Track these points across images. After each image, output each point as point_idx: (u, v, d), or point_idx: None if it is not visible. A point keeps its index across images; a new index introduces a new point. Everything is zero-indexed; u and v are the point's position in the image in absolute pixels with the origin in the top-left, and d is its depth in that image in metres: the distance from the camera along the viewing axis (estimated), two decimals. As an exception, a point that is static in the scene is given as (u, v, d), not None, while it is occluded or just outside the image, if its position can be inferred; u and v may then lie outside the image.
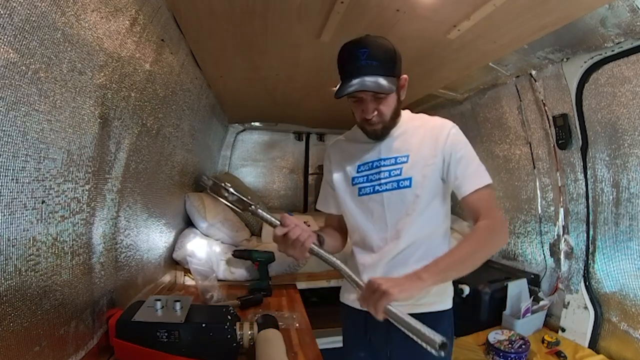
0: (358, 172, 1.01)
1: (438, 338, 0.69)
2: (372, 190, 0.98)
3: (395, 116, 0.97)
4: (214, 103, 2.32)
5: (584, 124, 1.56)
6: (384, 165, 0.97)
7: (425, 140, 0.96)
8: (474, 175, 0.92)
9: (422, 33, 1.37)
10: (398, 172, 0.95)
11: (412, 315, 0.76)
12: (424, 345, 0.71)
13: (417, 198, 0.93)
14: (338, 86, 0.91)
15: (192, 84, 1.74)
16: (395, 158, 0.97)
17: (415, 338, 0.72)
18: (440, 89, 2.18)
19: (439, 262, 0.83)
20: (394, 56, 0.91)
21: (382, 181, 0.97)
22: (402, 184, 0.94)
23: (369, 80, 0.87)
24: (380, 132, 0.97)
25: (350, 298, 1.04)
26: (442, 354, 0.68)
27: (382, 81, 0.87)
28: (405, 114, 1.04)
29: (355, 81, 0.87)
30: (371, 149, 1.01)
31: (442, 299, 0.99)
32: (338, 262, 0.89)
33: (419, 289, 0.79)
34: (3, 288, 0.65)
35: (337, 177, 1.06)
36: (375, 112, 0.92)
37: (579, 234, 1.65)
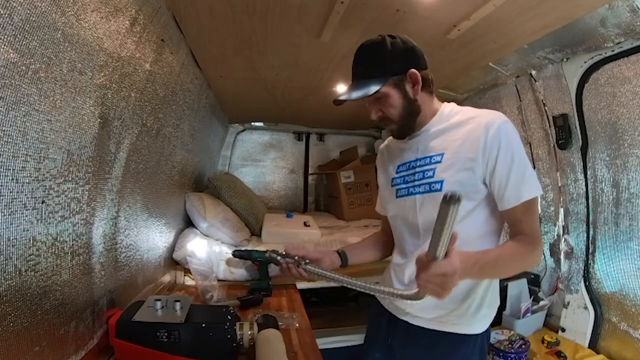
0: (397, 172, 0.97)
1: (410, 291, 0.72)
2: (407, 193, 0.93)
3: (410, 115, 0.90)
4: (214, 103, 2.32)
5: (584, 124, 1.56)
6: (420, 166, 0.91)
7: (467, 138, 0.84)
8: (520, 186, 0.80)
9: (422, 33, 1.37)
10: (431, 173, 0.88)
11: (436, 331, 0.86)
12: (408, 302, 0.75)
13: None
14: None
15: (192, 84, 1.74)
16: (430, 157, 0.89)
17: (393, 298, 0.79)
18: (440, 89, 2.18)
19: (479, 256, 0.77)
20: (382, 56, 0.86)
21: (416, 182, 0.90)
22: (433, 187, 0.86)
23: (356, 85, 0.87)
24: (397, 131, 0.94)
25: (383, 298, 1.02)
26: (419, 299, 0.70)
27: (367, 84, 0.85)
28: (448, 107, 0.95)
29: (347, 89, 0.89)
30: (410, 147, 0.95)
31: (466, 322, 0.90)
32: (336, 275, 0.90)
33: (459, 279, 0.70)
34: (3, 288, 0.65)
35: (381, 178, 1.05)
36: (380, 113, 0.91)
37: (579, 234, 1.65)
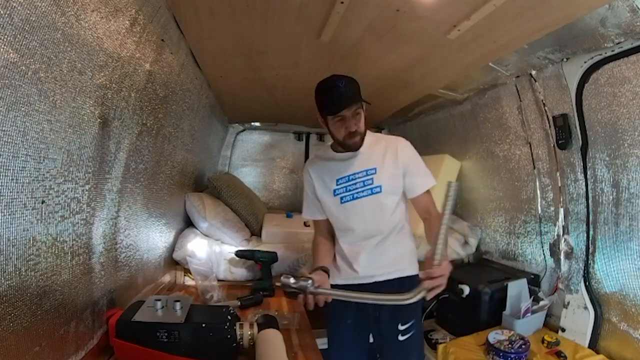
0: (337, 184, 1.27)
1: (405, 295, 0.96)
2: (352, 198, 1.25)
3: (365, 131, 1.23)
4: (214, 103, 2.32)
5: (584, 124, 1.56)
6: (358, 178, 1.24)
7: (387, 155, 1.25)
8: (424, 178, 1.26)
9: (422, 33, 1.37)
10: (370, 181, 1.23)
11: (395, 279, 1.28)
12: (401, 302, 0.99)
13: (387, 200, 1.23)
14: (323, 112, 1.18)
15: (192, 84, 1.74)
16: (366, 171, 1.24)
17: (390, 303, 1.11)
18: (440, 89, 2.18)
19: (441, 242, 1.03)
20: (358, 87, 1.18)
21: (359, 189, 1.24)
22: (374, 190, 1.23)
23: (351, 100, 1.13)
24: (359, 143, 1.22)
25: (351, 276, 1.31)
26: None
27: (356, 98, 1.14)
28: (370, 134, 1.29)
29: (342, 102, 1.13)
30: (345, 165, 1.27)
31: (412, 266, 1.33)
32: (338, 291, 1.09)
33: None
34: (3, 288, 0.65)
35: (320, 190, 1.31)
36: (356, 126, 1.17)
37: (579, 234, 1.65)
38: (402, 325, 1.26)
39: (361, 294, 1.07)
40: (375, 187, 1.22)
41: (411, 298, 0.96)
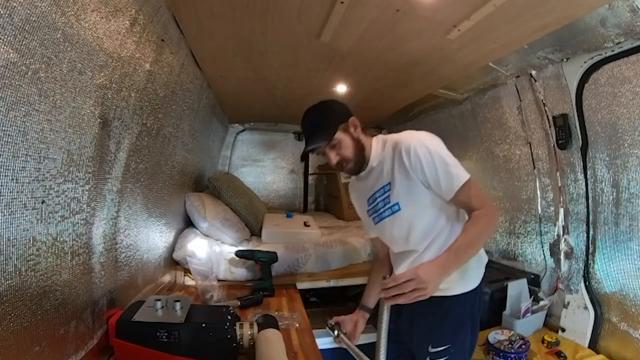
0: (368, 205, 1.18)
1: None
2: (379, 219, 1.15)
3: (360, 151, 1.12)
4: (214, 103, 2.32)
5: (584, 124, 1.56)
6: (378, 197, 1.13)
7: (396, 165, 1.06)
8: (450, 179, 1.00)
9: (422, 33, 1.37)
10: (388, 199, 1.10)
11: (433, 297, 0.94)
12: None
13: (411, 217, 1.07)
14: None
15: (192, 84, 1.74)
16: (383, 188, 1.11)
17: None
18: (440, 89, 2.18)
19: (451, 248, 0.95)
20: (329, 112, 1.12)
21: (381, 210, 1.13)
22: (393, 209, 1.09)
23: (312, 139, 1.09)
24: (354, 169, 1.14)
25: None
26: None
27: (320, 137, 1.08)
28: (376, 142, 1.15)
29: (309, 143, 1.09)
30: (366, 183, 1.17)
31: (455, 285, 1.08)
32: (353, 346, 1.18)
33: (445, 277, 0.92)
34: (3, 288, 0.65)
35: (360, 211, 1.27)
36: (338, 157, 1.10)
37: (579, 234, 1.65)
38: (432, 347, 1.10)
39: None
40: (393, 205, 1.08)
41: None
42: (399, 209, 1.08)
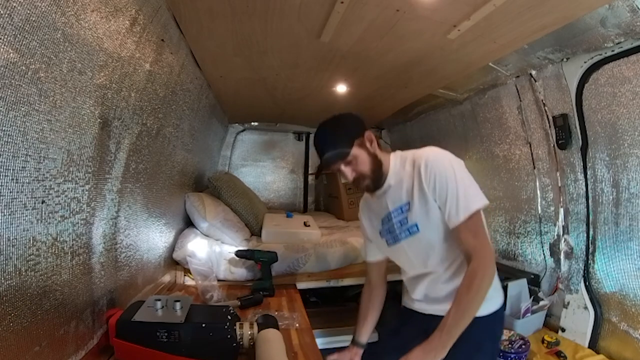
0: (382, 225, 1.13)
1: None
2: (394, 241, 1.10)
3: (377, 167, 1.06)
4: (214, 103, 2.32)
5: (584, 124, 1.56)
6: (395, 217, 1.07)
7: (414, 183, 1.01)
8: (457, 206, 0.94)
9: (422, 33, 1.37)
10: (405, 220, 1.04)
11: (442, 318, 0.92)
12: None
13: (431, 239, 1.02)
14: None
15: (192, 84, 1.74)
16: (400, 208, 1.05)
17: None
18: (440, 89, 2.18)
19: (444, 324, 0.90)
20: (343, 127, 1.06)
21: (397, 231, 1.07)
22: (412, 230, 1.04)
23: (327, 157, 1.02)
24: (372, 186, 1.08)
25: (407, 303, 1.21)
26: None
27: (336, 154, 1.02)
28: (394, 158, 1.10)
29: (323, 164, 1.04)
30: (382, 202, 1.10)
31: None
32: None
33: (441, 355, 0.88)
34: (3, 288, 0.65)
35: (370, 232, 1.21)
36: (354, 173, 1.05)
37: (579, 234, 1.65)
38: None
39: None
40: (412, 226, 1.03)
41: None
42: (417, 231, 1.02)
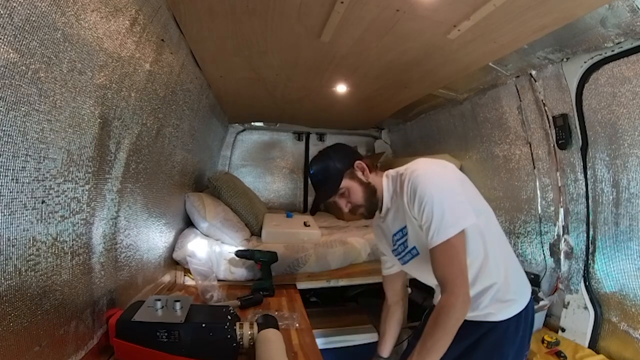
0: (393, 245, 1.12)
1: None
2: (404, 261, 1.10)
3: (370, 194, 1.07)
4: (214, 103, 2.32)
5: (584, 124, 1.56)
6: (397, 240, 1.08)
7: (405, 205, 0.98)
8: (431, 230, 0.89)
9: (422, 33, 1.37)
10: (406, 244, 1.05)
11: (471, 321, 0.94)
12: None
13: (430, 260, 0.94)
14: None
15: (192, 84, 1.74)
16: (401, 231, 1.05)
17: None
18: (440, 89, 2.18)
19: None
20: (329, 165, 1.07)
21: (402, 254, 1.08)
22: (413, 253, 1.04)
23: (320, 194, 1.09)
24: (367, 214, 1.09)
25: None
26: None
27: (327, 190, 1.06)
28: (387, 180, 1.08)
29: (318, 199, 1.11)
30: (387, 224, 1.12)
31: (492, 310, 1.00)
32: None
33: None
34: (3, 288, 0.65)
35: (383, 248, 1.22)
36: (349, 205, 1.07)
37: (579, 234, 1.65)
38: None
39: None
40: (412, 249, 1.04)
41: None
42: (418, 253, 1.02)
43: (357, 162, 1.07)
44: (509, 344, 1.01)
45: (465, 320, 0.88)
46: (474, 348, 1.00)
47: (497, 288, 0.99)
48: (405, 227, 1.02)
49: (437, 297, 1.09)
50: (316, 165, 1.11)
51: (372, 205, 1.08)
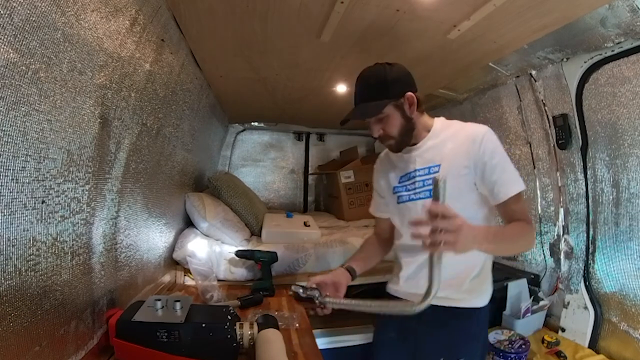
0: (399, 182, 1.11)
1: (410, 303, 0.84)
2: (408, 199, 1.08)
3: (407, 132, 1.03)
4: (214, 103, 2.32)
5: (584, 124, 1.56)
6: (419, 176, 1.05)
7: (458, 148, 0.99)
8: (508, 183, 0.96)
9: (422, 33, 1.37)
10: (430, 181, 0.98)
11: (444, 307, 1.00)
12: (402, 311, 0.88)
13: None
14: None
15: (192, 84, 1.74)
16: (429, 168, 1.03)
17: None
18: (440, 89, 2.18)
19: (491, 229, 0.95)
20: (384, 81, 1.00)
21: (417, 190, 1.05)
22: (424, 194, 1.03)
23: (359, 108, 1.02)
24: (395, 147, 1.06)
25: (392, 288, 1.19)
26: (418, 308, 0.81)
27: (370, 107, 0.99)
28: (439, 122, 1.08)
29: (352, 113, 1.02)
30: (408, 160, 1.08)
31: (472, 297, 1.06)
32: (350, 301, 1.04)
33: (474, 247, 0.84)
34: (3, 288, 0.65)
35: (383, 185, 1.19)
36: (381, 132, 1.03)
37: (579, 234, 1.65)
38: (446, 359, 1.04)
39: (365, 302, 0.97)
40: (426, 190, 1.03)
41: (421, 304, 0.80)
42: (429, 196, 1.00)
43: (409, 93, 1.01)
44: (484, 331, 1.12)
45: (445, 308, 1.00)
46: (457, 333, 1.05)
47: (481, 270, 1.08)
48: (439, 165, 1.01)
49: (412, 265, 1.09)
50: (367, 77, 1.03)
51: (403, 142, 1.05)
